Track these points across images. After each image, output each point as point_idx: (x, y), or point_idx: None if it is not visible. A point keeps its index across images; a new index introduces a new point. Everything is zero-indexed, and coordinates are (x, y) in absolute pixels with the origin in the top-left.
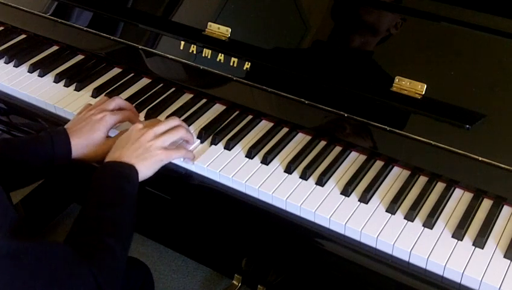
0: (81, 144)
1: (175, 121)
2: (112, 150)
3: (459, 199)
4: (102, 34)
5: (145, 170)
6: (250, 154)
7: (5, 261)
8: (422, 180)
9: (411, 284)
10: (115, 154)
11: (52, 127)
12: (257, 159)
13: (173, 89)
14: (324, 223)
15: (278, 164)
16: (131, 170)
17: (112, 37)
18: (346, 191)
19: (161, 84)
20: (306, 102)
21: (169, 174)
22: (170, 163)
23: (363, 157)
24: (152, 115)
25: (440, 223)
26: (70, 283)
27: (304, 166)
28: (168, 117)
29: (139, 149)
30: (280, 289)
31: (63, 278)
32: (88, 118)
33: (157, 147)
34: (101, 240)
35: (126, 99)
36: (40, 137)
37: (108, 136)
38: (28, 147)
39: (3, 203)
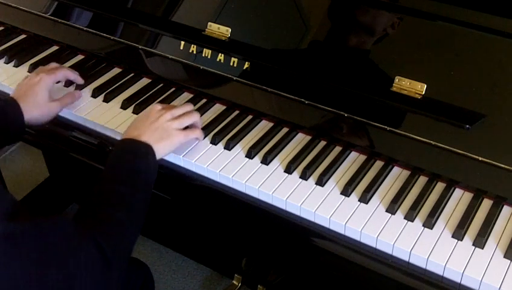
0: (29, 108)
1: (190, 106)
2: (131, 128)
3: (459, 199)
4: (102, 34)
5: (162, 149)
6: (250, 154)
7: (2, 243)
8: (422, 180)
9: (411, 284)
10: (134, 133)
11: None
12: (257, 159)
13: (173, 89)
14: (324, 223)
15: (278, 164)
16: (148, 149)
17: (111, 37)
18: (346, 191)
19: (161, 84)
20: (306, 102)
21: (170, 174)
22: (170, 163)
23: (363, 157)
24: None
25: (440, 223)
26: (71, 259)
27: (304, 166)
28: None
29: (158, 129)
30: (280, 289)
31: (63, 255)
32: (27, 83)
33: (175, 128)
34: (109, 212)
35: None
36: None
37: (51, 98)
38: None
39: None
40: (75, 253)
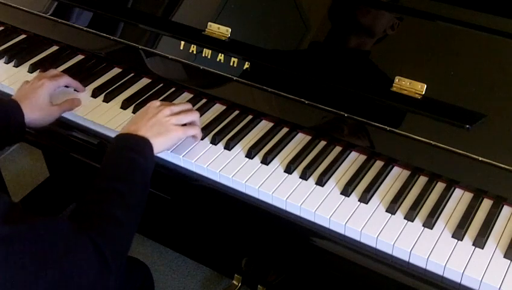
0: (30, 109)
1: (189, 105)
2: (128, 123)
3: (459, 199)
4: (102, 34)
5: (160, 144)
6: (250, 154)
7: None
8: (422, 180)
9: (411, 284)
10: (131, 128)
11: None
12: (257, 159)
13: (173, 89)
14: (324, 223)
15: (278, 164)
16: (146, 143)
17: (112, 37)
18: (346, 191)
19: (161, 84)
20: (306, 102)
21: (169, 174)
22: (170, 163)
23: (363, 157)
24: None
25: (440, 223)
26: (68, 259)
27: (304, 166)
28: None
29: (156, 124)
30: (280, 289)
31: (59, 256)
32: (29, 87)
33: (173, 123)
34: (106, 210)
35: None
36: None
37: (51, 102)
38: None
39: None
40: (71, 253)
